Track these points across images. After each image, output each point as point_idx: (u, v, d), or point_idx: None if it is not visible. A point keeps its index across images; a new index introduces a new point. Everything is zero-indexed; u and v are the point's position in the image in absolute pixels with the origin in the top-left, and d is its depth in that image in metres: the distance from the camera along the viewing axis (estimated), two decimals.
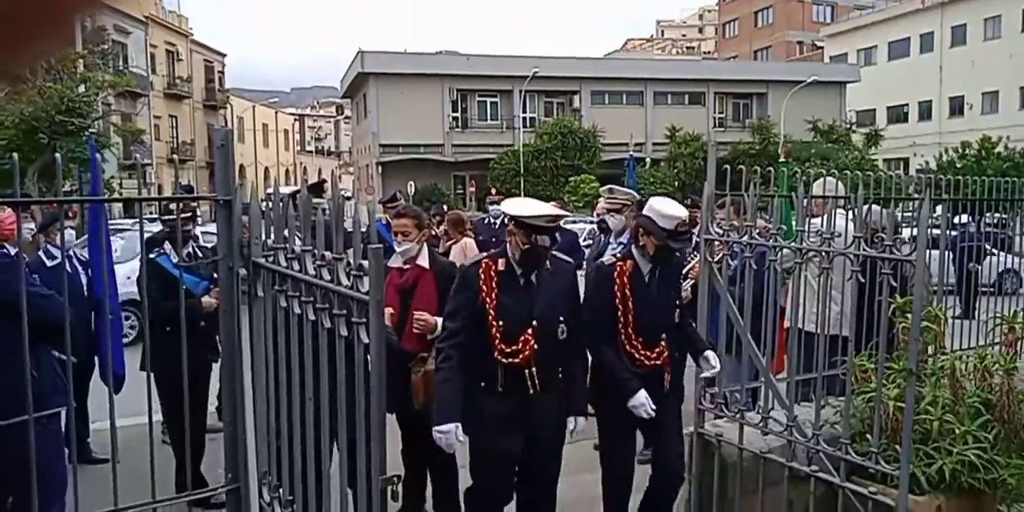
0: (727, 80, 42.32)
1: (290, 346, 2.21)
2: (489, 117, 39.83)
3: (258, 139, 55.77)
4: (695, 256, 4.58)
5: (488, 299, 3.36)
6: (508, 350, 3.35)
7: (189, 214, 4.61)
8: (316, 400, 2.07)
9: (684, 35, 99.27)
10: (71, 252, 5.05)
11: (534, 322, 3.37)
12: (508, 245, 3.43)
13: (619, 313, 3.63)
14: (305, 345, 2.11)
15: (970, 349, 4.24)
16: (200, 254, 4.73)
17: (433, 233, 7.53)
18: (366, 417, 1.74)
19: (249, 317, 2.47)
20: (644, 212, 3.76)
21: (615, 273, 3.66)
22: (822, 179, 4.53)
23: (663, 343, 3.66)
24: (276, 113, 64.83)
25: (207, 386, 4.56)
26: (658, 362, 3.66)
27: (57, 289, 3.08)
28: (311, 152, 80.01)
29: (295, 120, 76.81)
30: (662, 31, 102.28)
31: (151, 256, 4.23)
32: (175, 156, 41.47)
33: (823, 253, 3.13)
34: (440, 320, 3.63)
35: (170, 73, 44.70)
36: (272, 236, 2.33)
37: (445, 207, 8.81)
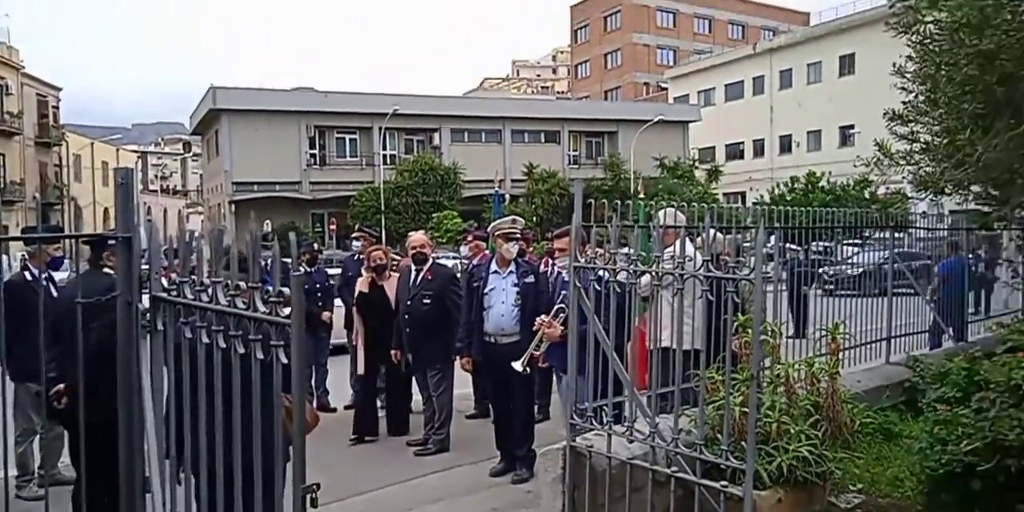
0: (580, 119, 44.25)
1: (196, 375, 2.33)
2: (348, 154, 39.68)
3: (97, 178, 52.75)
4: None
5: None
6: None
7: None
8: (227, 424, 2.21)
9: (539, 75, 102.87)
10: None
11: None
12: None
13: None
14: (214, 372, 2.24)
15: (801, 361, 4.80)
16: None
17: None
18: (284, 433, 1.90)
19: (150, 350, 2.56)
20: None
21: None
22: (664, 211, 5.00)
23: None
24: (117, 150, 61.51)
25: None
26: None
27: None
28: (155, 191, 76.35)
29: (137, 157, 73.11)
30: (518, 71, 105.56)
31: None
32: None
33: (677, 276, 3.54)
34: None
35: None
36: (176, 271, 2.45)
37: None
